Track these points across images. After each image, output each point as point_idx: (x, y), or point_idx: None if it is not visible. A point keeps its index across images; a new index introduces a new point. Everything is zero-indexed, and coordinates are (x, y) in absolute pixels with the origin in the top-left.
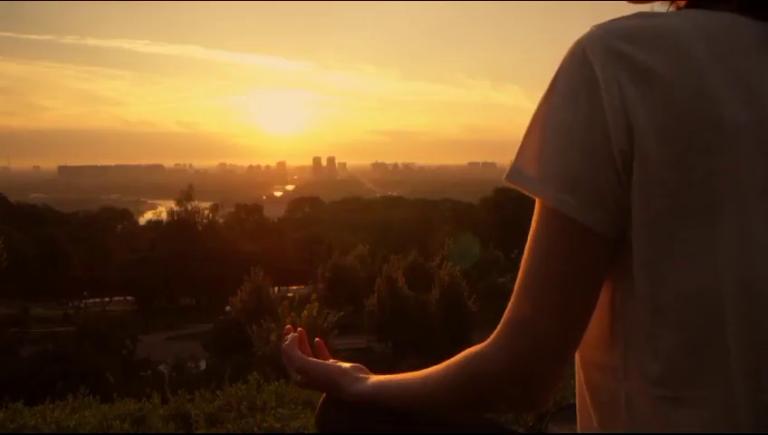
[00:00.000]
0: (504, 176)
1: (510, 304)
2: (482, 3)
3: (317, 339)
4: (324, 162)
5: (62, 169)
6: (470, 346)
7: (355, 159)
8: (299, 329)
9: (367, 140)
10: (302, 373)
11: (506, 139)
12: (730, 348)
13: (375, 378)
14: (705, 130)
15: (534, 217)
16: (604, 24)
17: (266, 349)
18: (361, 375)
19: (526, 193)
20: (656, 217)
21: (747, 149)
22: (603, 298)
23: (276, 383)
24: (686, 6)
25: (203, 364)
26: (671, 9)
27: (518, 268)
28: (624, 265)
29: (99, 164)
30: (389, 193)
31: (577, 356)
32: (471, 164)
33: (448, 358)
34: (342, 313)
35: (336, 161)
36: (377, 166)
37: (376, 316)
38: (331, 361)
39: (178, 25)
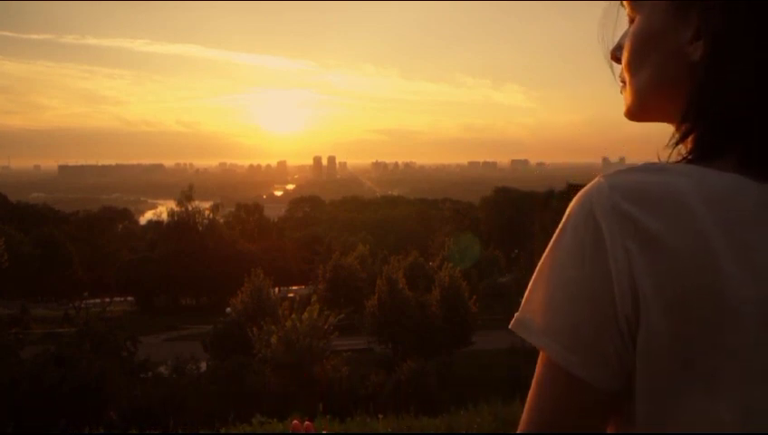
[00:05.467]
0: (510, 325)
1: None
2: (482, 3)
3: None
4: (325, 161)
5: (63, 168)
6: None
7: (355, 159)
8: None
9: (367, 140)
10: None
11: (506, 138)
12: None
13: None
14: (710, 306)
15: (538, 367)
16: (612, 177)
17: (266, 351)
18: None
19: (531, 343)
20: (659, 387)
21: (753, 326)
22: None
23: (281, 425)
24: (691, 156)
25: (203, 365)
26: (676, 147)
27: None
28: (628, 414)
29: (99, 163)
30: (390, 192)
31: None
32: (471, 163)
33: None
34: (343, 313)
35: (336, 160)
36: (377, 165)
37: (376, 317)
38: None
39: (178, 25)
